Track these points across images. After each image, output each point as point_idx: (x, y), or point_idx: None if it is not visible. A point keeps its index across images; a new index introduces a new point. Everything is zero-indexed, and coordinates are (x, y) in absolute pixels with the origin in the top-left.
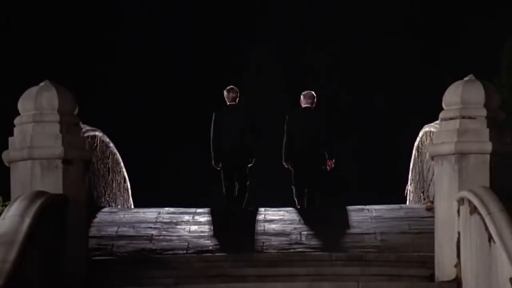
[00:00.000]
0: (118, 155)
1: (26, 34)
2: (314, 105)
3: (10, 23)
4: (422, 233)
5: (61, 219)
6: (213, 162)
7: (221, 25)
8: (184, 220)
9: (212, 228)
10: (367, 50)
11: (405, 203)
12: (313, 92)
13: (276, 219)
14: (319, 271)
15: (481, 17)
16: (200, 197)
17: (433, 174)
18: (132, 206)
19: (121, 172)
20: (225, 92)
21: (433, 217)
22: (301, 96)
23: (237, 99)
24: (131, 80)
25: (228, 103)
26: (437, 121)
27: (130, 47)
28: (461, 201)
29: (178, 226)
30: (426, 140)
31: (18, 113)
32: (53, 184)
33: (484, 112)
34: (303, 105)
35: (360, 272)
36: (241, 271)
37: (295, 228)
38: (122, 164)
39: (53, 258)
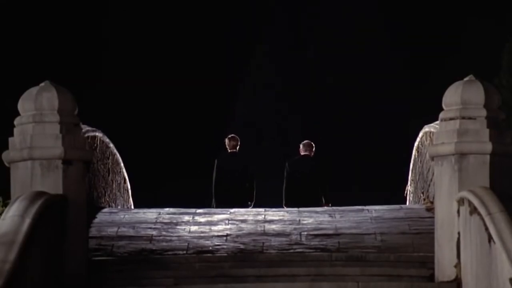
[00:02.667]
0: (118, 155)
1: (26, 35)
2: (312, 154)
3: (10, 24)
4: (422, 234)
5: (61, 220)
6: (213, 203)
7: (220, 26)
8: (184, 220)
9: (212, 228)
10: (367, 50)
11: (405, 203)
12: (311, 142)
13: (276, 220)
14: (319, 272)
15: (481, 18)
16: (200, 198)
17: (433, 174)
18: (132, 207)
19: (121, 173)
20: (226, 140)
21: (433, 217)
22: (300, 145)
23: (238, 146)
24: (131, 81)
25: (229, 150)
26: (437, 122)
27: (130, 48)
28: (461, 201)
29: (178, 227)
30: (426, 141)
31: (18, 114)
32: (53, 184)
33: (484, 113)
34: (302, 153)
35: (360, 272)
36: (241, 272)
37: (295, 229)
38: (122, 164)
39: (53, 259)
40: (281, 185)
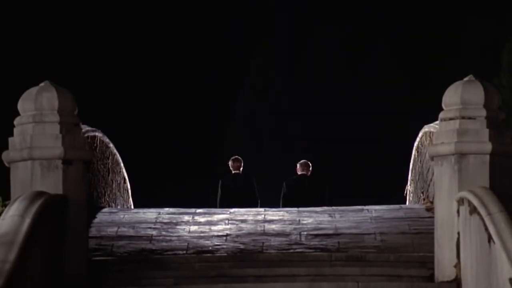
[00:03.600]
0: (118, 155)
1: (26, 35)
2: (309, 173)
3: (10, 24)
4: (422, 233)
5: (61, 219)
6: None
7: (220, 26)
8: (184, 220)
9: (211, 228)
10: (367, 50)
11: (405, 203)
12: (308, 162)
13: (276, 220)
14: (319, 272)
15: (481, 18)
16: (199, 198)
17: (433, 174)
18: (132, 207)
19: (121, 173)
20: (230, 162)
21: (433, 217)
22: (298, 165)
23: (241, 168)
24: (131, 81)
25: (233, 171)
26: (437, 122)
27: (130, 48)
28: (461, 201)
29: (178, 227)
30: (426, 141)
31: (18, 114)
32: (53, 184)
33: (483, 113)
34: (299, 173)
35: (360, 272)
36: (241, 272)
37: (294, 229)
38: (122, 164)
39: (53, 258)
40: (280, 186)
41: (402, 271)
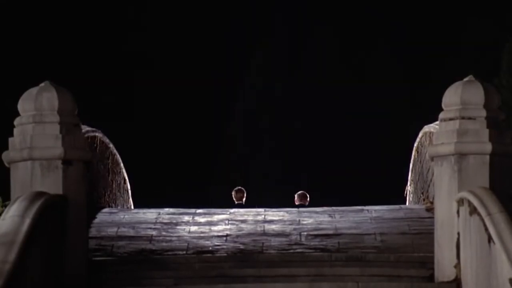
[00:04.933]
0: (118, 156)
1: (26, 34)
2: (307, 203)
3: (10, 24)
4: (422, 234)
5: (61, 220)
6: None
7: (220, 26)
8: (184, 220)
9: (211, 228)
10: (367, 50)
11: (405, 203)
12: (306, 193)
13: (276, 220)
14: (319, 272)
15: (481, 18)
16: (199, 198)
17: (433, 174)
18: (132, 207)
19: (121, 173)
20: (233, 192)
21: (432, 217)
22: (295, 196)
23: (244, 198)
24: (131, 81)
25: (236, 202)
26: (437, 122)
27: (130, 48)
28: (460, 201)
29: (178, 227)
30: (426, 141)
31: (18, 114)
32: (53, 184)
33: (483, 113)
34: (297, 203)
35: (360, 273)
36: (241, 272)
37: (294, 229)
38: (122, 164)
39: (53, 259)
40: (279, 187)
41: (402, 271)
